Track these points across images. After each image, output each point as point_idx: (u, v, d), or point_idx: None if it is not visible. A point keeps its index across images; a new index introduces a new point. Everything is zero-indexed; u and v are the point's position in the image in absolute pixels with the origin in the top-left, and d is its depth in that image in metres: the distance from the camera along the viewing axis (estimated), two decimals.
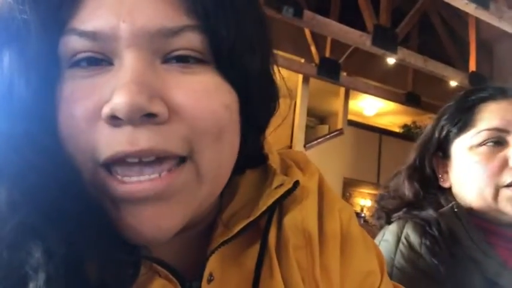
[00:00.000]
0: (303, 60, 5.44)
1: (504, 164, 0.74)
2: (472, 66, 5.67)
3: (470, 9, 4.08)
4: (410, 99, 6.26)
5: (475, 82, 5.57)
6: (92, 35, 0.33)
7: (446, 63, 5.55)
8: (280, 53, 5.10)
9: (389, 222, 0.81)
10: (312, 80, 5.50)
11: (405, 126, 6.83)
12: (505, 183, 0.74)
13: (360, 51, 5.00)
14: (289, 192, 0.42)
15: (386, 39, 4.75)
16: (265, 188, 0.43)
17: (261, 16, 0.41)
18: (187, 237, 0.41)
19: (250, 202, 0.43)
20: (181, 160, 0.34)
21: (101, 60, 0.34)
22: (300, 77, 5.45)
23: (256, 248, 0.42)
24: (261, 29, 0.40)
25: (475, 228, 0.75)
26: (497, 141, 0.76)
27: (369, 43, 4.62)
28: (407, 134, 6.65)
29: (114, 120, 0.32)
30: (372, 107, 6.82)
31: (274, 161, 0.46)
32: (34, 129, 0.33)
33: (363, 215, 5.96)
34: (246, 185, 0.45)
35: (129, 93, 0.31)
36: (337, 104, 6.22)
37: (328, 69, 5.25)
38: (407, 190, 0.84)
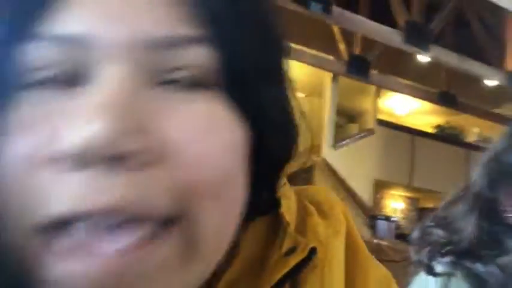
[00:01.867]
0: (331, 58, 5.38)
1: None
2: (510, 65, 5.47)
3: (507, 3, 3.95)
4: (444, 99, 6.09)
5: None
6: (60, 42, 0.24)
7: (482, 62, 5.39)
8: (309, 50, 5.09)
9: (431, 273, 0.65)
10: (342, 78, 5.43)
11: (439, 126, 6.65)
12: None
13: (392, 49, 4.93)
14: (303, 262, 0.32)
15: (419, 36, 4.67)
16: (273, 252, 0.33)
17: (278, 28, 0.32)
18: None
19: (252, 269, 0.33)
20: (165, 223, 0.23)
21: (69, 80, 0.24)
22: (329, 74, 5.40)
23: None
24: (280, 44, 0.31)
25: None
26: None
27: (400, 40, 4.55)
28: (441, 134, 6.47)
29: (69, 162, 0.22)
30: (403, 106, 6.67)
31: (288, 207, 0.35)
32: None
33: (395, 219, 5.83)
34: (248, 244, 0.34)
35: (98, 122, 0.21)
36: (368, 103, 6.11)
37: (358, 67, 5.17)
38: (471, 226, 0.65)
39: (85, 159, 0.21)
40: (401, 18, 4.66)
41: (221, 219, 0.26)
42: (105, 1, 0.25)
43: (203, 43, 0.25)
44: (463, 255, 0.63)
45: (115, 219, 0.22)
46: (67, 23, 0.24)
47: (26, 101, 0.24)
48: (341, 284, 0.34)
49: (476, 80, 5.56)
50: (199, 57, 0.25)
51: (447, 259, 0.64)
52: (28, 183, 0.23)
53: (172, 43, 0.25)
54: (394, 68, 5.69)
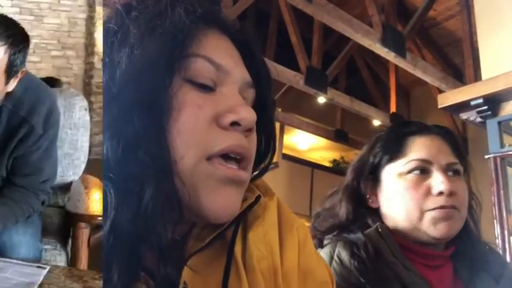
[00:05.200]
0: None
1: (428, 192, 0.84)
2: (393, 107, 6.24)
3: (390, 57, 4.54)
4: (338, 136, 6.69)
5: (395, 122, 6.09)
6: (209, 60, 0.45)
7: (370, 104, 6.05)
8: None
9: (322, 246, 0.87)
10: None
11: (334, 161, 7.18)
12: (429, 208, 0.83)
13: (294, 90, 5.28)
14: (252, 205, 0.47)
15: (317, 79, 5.08)
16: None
17: None
18: None
19: None
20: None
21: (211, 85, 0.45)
22: None
23: (225, 259, 0.45)
24: None
25: (397, 246, 0.84)
26: (422, 170, 0.86)
27: (302, 82, 4.92)
28: (337, 168, 7.00)
29: (229, 124, 0.43)
30: (304, 142, 7.12)
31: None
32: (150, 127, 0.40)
33: None
34: None
35: (252, 112, 0.45)
36: None
37: None
38: (342, 209, 0.90)
39: (245, 127, 0.45)
40: (303, 63, 5.08)
41: None
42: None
43: None
44: (341, 230, 0.88)
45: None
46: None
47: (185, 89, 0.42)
48: (275, 228, 0.49)
49: (365, 120, 6.18)
50: None
51: (331, 235, 0.88)
52: (205, 132, 0.41)
53: None
54: (296, 107, 6.12)
